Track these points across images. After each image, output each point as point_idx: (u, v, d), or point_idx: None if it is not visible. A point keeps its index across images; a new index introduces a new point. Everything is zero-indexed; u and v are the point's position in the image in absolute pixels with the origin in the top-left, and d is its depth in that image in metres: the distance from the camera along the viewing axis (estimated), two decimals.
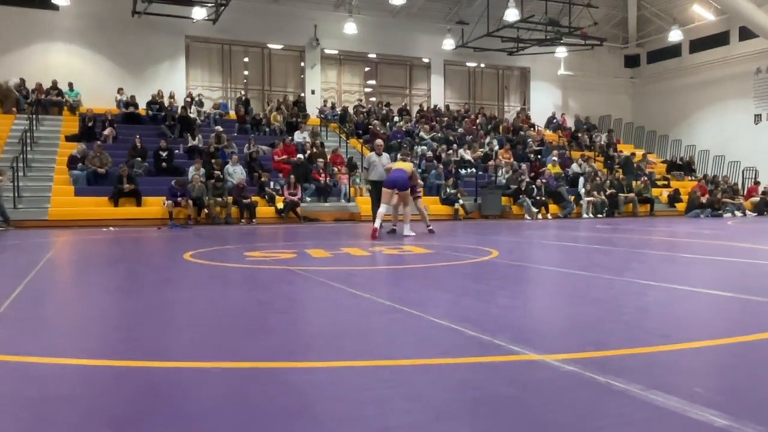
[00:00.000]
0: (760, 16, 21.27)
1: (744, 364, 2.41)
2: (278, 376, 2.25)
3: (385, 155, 11.49)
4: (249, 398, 1.99)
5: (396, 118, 22.10)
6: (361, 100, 23.87)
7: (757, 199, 20.47)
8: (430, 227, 10.23)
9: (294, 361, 2.43)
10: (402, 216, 9.91)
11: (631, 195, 19.42)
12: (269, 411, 1.86)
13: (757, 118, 23.42)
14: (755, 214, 19.66)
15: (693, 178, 22.75)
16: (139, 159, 15.57)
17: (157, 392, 2.07)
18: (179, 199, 13.85)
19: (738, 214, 19.31)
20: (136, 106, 18.63)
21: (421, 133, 20.94)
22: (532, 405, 1.90)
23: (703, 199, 19.27)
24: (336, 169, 17.35)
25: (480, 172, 19.00)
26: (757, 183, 21.71)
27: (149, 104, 18.79)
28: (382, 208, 9.46)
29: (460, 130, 22.07)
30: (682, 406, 1.82)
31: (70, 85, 18.66)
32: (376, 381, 2.16)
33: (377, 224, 9.22)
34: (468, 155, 20.11)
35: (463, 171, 18.98)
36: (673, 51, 26.04)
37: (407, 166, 9.85)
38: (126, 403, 1.99)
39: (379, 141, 12.28)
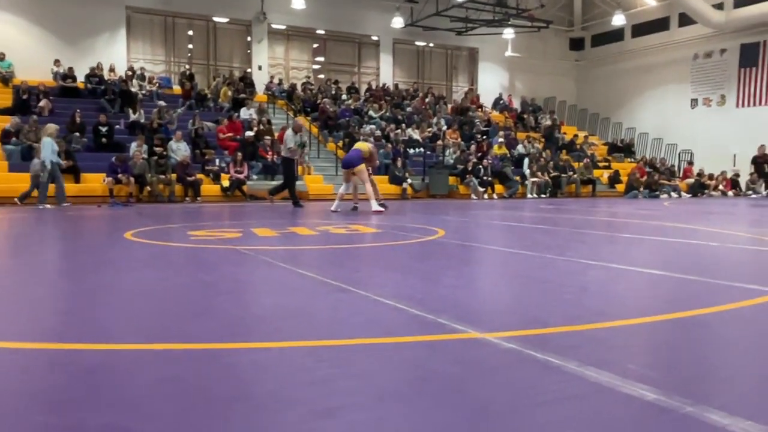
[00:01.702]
0: (699, 3, 21.96)
1: (676, 341, 2.51)
2: (220, 357, 2.23)
3: (290, 132, 12.06)
4: (189, 381, 1.96)
5: (344, 96, 21.94)
6: (309, 77, 23.60)
7: (691, 180, 21.30)
8: (380, 203, 10.64)
9: (237, 342, 2.40)
10: (365, 194, 10.37)
11: (574, 176, 19.90)
12: (210, 393, 1.84)
13: (694, 102, 24.29)
14: (690, 195, 20.46)
15: (633, 160, 23.49)
16: (78, 134, 15.01)
17: (94, 376, 2.01)
18: (120, 176, 13.45)
19: (674, 195, 20.06)
20: (74, 78, 17.91)
21: (371, 112, 20.87)
22: (473, 382, 1.94)
23: (642, 180, 19.93)
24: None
25: (428, 152, 19.11)
26: (690, 164, 22.58)
27: (88, 77, 18.08)
28: (342, 188, 10.43)
29: (409, 109, 22.10)
30: (615, 381, 1.89)
31: (2, 55, 17.78)
32: (320, 361, 2.16)
33: (335, 206, 10.24)
34: (416, 135, 20.18)
35: (411, 150, 19.05)
36: (617, 35, 26.66)
37: (364, 146, 10.52)
38: (60, 387, 1.93)
39: (300, 119, 12.99)
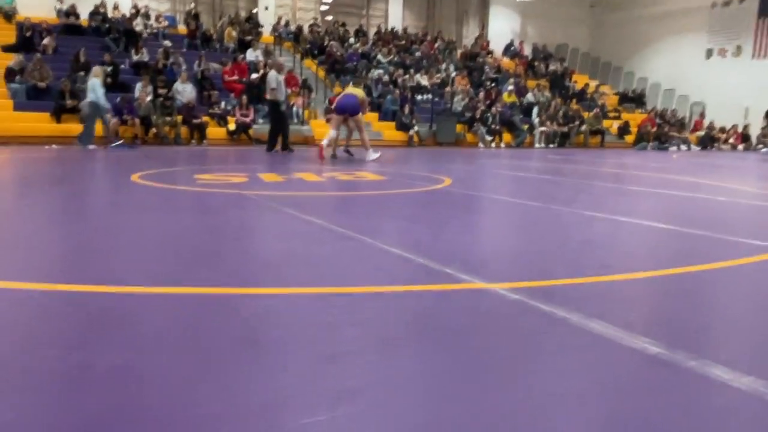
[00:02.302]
0: None
1: (680, 295, 2.53)
2: (228, 302, 2.25)
3: (273, 73, 11.77)
4: (198, 325, 1.99)
5: (352, 40, 21.53)
6: (316, 19, 23.09)
7: (702, 133, 21.04)
8: (335, 153, 10.07)
9: (244, 287, 2.43)
10: (360, 141, 9.95)
11: (583, 126, 19.67)
12: (218, 338, 1.87)
13: (709, 53, 23.75)
14: (699, 148, 20.25)
15: (643, 111, 23.14)
16: (83, 73, 14.81)
17: (103, 318, 2.04)
18: (125, 117, 13.35)
19: (683, 147, 19.85)
20: (77, 16, 17.54)
21: (379, 56, 20.51)
22: (477, 332, 1.96)
23: (652, 132, 19.70)
24: (290, 90, 16.93)
25: (436, 99, 18.86)
26: (702, 116, 22.26)
27: (92, 15, 17.72)
28: (333, 133, 9.57)
29: (418, 54, 21.69)
30: (618, 334, 1.91)
31: None
32: (326, 308, 2.19)
33: (325, 142, 9.46)
34: (424, 81, 19.87)
35: (419, 97, 18.80)
36: None
37: (359, 92, 9.98)
38: (73, 328, 1.96)
39: (281, 59, 12.44)
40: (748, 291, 2.63)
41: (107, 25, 17.49)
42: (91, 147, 11.73)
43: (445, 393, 1.52)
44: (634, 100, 23.91)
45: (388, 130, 17.00)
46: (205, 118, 14.69)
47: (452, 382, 1.58)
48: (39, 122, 13.37)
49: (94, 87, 11.92)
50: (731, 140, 20.92)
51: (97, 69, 12.58)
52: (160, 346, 1.80)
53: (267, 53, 18.16)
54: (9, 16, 17.20)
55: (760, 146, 20.33)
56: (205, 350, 1.77)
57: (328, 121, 11.15)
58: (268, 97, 11.98)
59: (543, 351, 1.81)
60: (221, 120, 14.99)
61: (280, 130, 11.95)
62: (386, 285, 2.47)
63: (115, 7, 18.39)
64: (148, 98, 14.09)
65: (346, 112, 9.54)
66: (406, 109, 17.17)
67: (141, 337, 1.86)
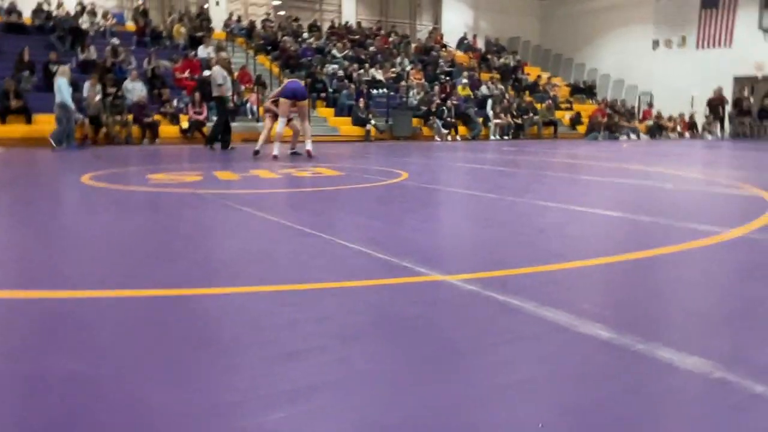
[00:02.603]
0: None
1: (629, 281, 2.60)
2: (183, 303, 2.23)
3: (217, 68, 11.69)
4: (153, 328, 1.96)
5: (305, 35, 21.38)
6: (269, 14, 22.85)
7: (650, 122, 21.62)
8: (294, 150, 10.02)
9: (200, 287, 2.40)
10: (301, 134, 9.88)
11: (536, 117, 19.99)
12: (174, 340, 1.85)
13: (655, 44, 24.39)
14: (648, 137, 20.80)
15: (594, 101, 23.64)
16: (27, 73, 14.36)
17: (55, 324, 1.99)
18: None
19: (633, 137, 20.36)
20: (19, 14, 16.97)
21: (334, 51, 20.43)
22: (434, 324, 1.99)
23: (602, 122, 20.14)
24: (244, 87, 16.72)
25: (392, 93, 18.89)
26: (650, 106, 22.87)
27: (35, 12, 17.17)
28: (281, 125, 9.33)
29: (372, 48, 21.69)
30: (571, 321, 1.96)
31: None
32: (284, 305, 2.18)
33: (276, 151, 9.17)
34: (380, 75, 19.89)
35: (374, 91, 18.81)
36: None
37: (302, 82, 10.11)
38: (21, 336, 1.91)
39: (225, 54, 12.36)
40: (694, 275, 2.73)
41: (51, 23, 16.97)
42: (70, 147, 11.65)
43: (403, 386, 1.54)
44: (584, 91, 24.40)
45: (345, 125, 16.97)
46: (157, 117, 14.41)
47: (409, 375, 1.60)
48: None
49: (60, 87, 11.56)
50: (678, 128, 21.55)
51: (63, 68, 12.19)
52: (114, 351, 1.77)
53: (219, 49, 17.87)
54: None
55: (706, 133, 21.00)
56: (160, 352, 1.75)
57: (266, 111, 10.91)
58: (214, 93, 11.83)
59: (498, 340, 1.85)
60: (173, 118, 14.72)
61: (224, 127, 11.85)
62: (344, 280, 2.48)
63: (59, 5, 17.84)
64: (97, 97, 13.73)
65: (296, 96, 9.34)
66: (362, 104, 17.16)
67: (94, 343, 1.83)
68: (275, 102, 9.82)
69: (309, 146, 9.44)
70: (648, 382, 1.56)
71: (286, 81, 10.08)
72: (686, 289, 2.51)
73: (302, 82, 10.14)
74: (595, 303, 2.23)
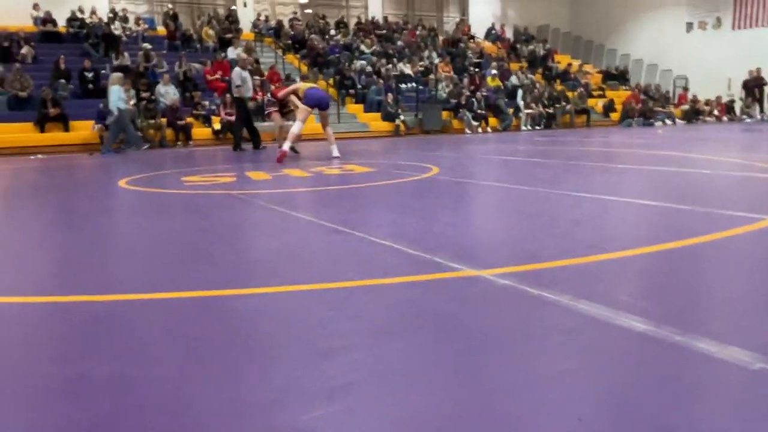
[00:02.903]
0: None
1: (666, 271, 2.56)
2: (220, 304, 2.27)
3: (237, 69, 11.77)
4: (191, 329, 2.01)
5: (332, 32, 21.43)
6: (296, 13, 22.97)
7: (686, 107, 21.14)
8: (293, 147, 9.32)
9: (235, 288, 2.44)
10: (327, 135, 9.39)
11: (568, 106, 19.71)
12: (211, 340, 1.88)
13: (689, 26, 23.82)
14: (684, 122, 20.35)
15: (627, 87, 23.20)
16: (64, 81, 14.71)
17: (96, 327, 2.05)
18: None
19: (668, 122, 19.94)
20: (54, 23, 17.39)
21: (362, 47, 20.44)
22: (469, 319, 1.99)
23: (636, 108, 19.77)
24: (273, 86, 16.85)
25: (420, 87, 18.84)
26: (685, 90, 22.35)
27: (69, 21, 17.57)
28: (298, 128, 8.80)
29: (399, 43, 21.64)
30: (606, 313, 1.94)
31: None
32: (318, 304, 2.21)
33: (287, 147, 8.70)
34: (408, 69, 19.84)
35: (403, 86, 18.78)
36: None
37: (322, 85, 9.94)
38: (66, 339, 1.97)
39: (244, 54, 12.29)
40: (732, 263, 2.67)
41: (85, 31, 17.35)
42: (144, 147, 12.44)
43: (439, 382, 1.55)
44: (617, 77, 23.96)
45: (374, 121, 16.99)
46: (190, 119, 14.63)
47: (445, 371, 1.61)
48: (22, 132, 13.29)
49: (113, 94, 11.84)
50: (716, 112, 21.03)
51: (115, 76, 12.45)
52: (154, 352, 1.81)
53: (248, 50, 18.07)
54: None
55: (744, 116, 20.45)
56: (198, 353, 1.79)
57: (268, 115, 10.90)
58: (234, 95, 11.91)
59: (533, 334, 1.84)
60: (206, 120, 14.92)
61: (245, 128, 11.92)
62: (377, 278, 2.50)
63: (93, 12, 18.22)
64: (132, 102, 14.00)
65: (320, 106, 9.01)
66: (391, 99, 17.15)
67: (135, 345, 1.88)
68: (278, 102, 9.95)
69: (335, 152, 8.99)
70: (686, 373, 1.54)
71: (300, 83, 9.63)
72: (724, 278, 2.46)
73: (321, 88, 10.03)
74: (631, 294, 2.20)
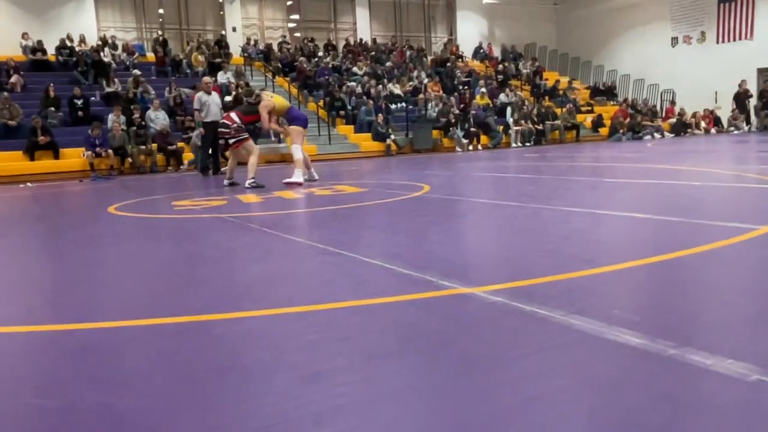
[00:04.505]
0: None
1: (659, 284, 2.55)
2: (209, 329, 2.23)
3: (215, 94, 11.58)
4: (178, 355, 1.97)
5: (321, 54, 21.57)
6: (285, 37, 23.13)
7: (674, 120, 21.31)
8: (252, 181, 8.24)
9: (224, 312, 2.40)
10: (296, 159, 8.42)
11: (557, 122, 19.84)
12: (200, 366, 1.85)
13: (674, 41, 24.10)
14: (672, 135, 20.50)
15: (615, 102, 23.41)
16: (53, 109, 14.71)
17: (84, 355, 2.01)
18: (99, 149, 13.25)
19: (657, 135, 20.08)
20: (44, 51, 17.44)
21: (355, 69, 20.57)
22: (461, 338, 1.96)
23: (625, 123, 19.91)
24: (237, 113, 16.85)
25: (410, 106, 18.94)
26: (673, 103, 22.55)
27: (58, 49, 17.61)
28: (301, 153, 8.27)
29: (389, 64, 21.80)
30: (600, 328, 1.92)
31: None
32: (308, 326, 2.17)
33: (301, 178, 8.14)
34: (397, 89, 19.96)
35: (393, 106, 18.87)
36: None
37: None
38: (51, 369, 1.93)
39: (207, 78, 12.28)
40: (725, 274, 2.66)
41: (74, 59, 17.39)
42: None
43: (431, 403, 1.51)
44: (605, 92, 24.18)
45: (365, 141, 17.05)
46: (181, 144, 14.62)
47: (437, 392, 1.57)
48: (12, 161, 13.25)
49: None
50: (703, 124, 21.20)
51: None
52: (143, 380, 1.77)
53: (238, 75, 18.15)
54: None
55: (732, 128, 20.62)
56: (186, 379, 1.75)
57: (235, 138, 8.76)
58: (207, 119, 11.50)
59: (526, 351, 1.81)
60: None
61: (206, 150, 11.80)
62: (368, 298, 2.47)
63: (82, 40, 18.29)
64: (122, 128, 14.00)
65: (305, 124, 8.67)
66: (381, 119, 17.22)
67: (123, 373, 1.84)
68: (240, 130, 8.56)
69: (250, 182, 8.14)
70: (682, 387, 1.51)
71: (270, 100, 8.49)
72: (718, 289, 2.44)
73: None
74: (624, 308, 2.18)
